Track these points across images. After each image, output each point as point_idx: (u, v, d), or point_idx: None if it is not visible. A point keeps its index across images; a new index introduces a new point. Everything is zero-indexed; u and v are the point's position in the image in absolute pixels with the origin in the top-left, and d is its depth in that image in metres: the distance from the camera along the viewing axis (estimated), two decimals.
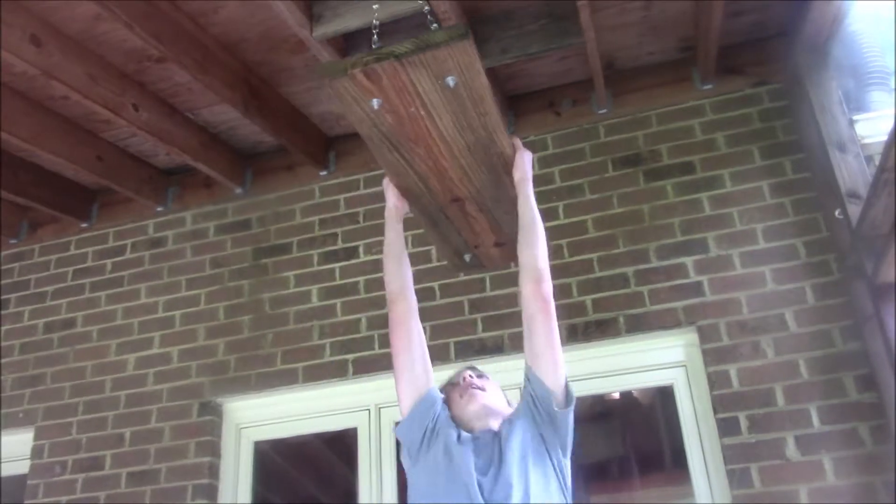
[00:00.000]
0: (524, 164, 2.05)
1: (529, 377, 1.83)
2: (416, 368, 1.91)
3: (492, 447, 1.78)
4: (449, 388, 1.98)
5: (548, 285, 1.86)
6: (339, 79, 1.68)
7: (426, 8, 2.14)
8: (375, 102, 1.74)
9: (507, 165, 2.04)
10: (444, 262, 2.59)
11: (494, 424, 1.85)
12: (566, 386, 1.80)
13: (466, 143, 1.91)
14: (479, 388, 1.93)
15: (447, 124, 1.83)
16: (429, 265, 3.23)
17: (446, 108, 1.79)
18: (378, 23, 2.20)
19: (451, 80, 1.69)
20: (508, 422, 1.84)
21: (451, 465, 1.76)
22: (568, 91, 3.35)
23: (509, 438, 1.78)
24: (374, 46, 2.06)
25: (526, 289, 1.86)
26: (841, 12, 2.81)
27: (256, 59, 3.04)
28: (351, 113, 1.80)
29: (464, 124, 1.84)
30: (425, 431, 1.83)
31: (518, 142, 2.09)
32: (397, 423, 1.95)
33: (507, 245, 2.29)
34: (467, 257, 2.40)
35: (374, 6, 2.21)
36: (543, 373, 1.80)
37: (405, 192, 2.10)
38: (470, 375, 1.98)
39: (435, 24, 2.05)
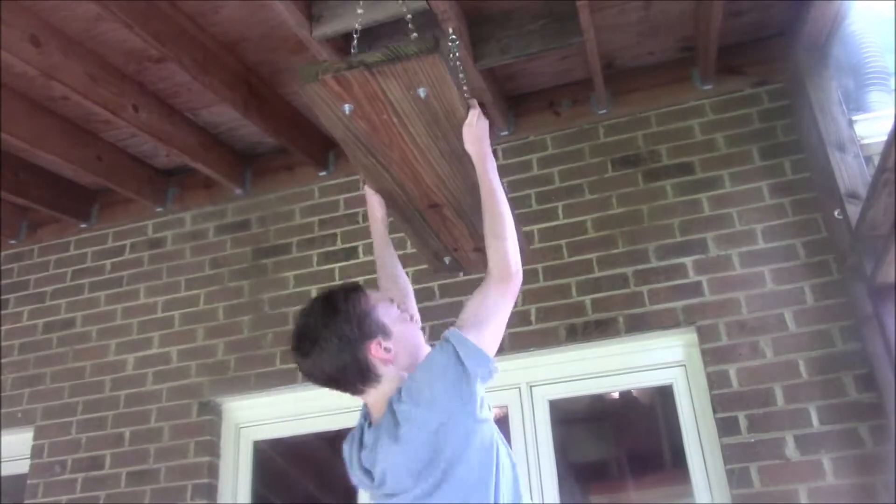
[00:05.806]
0: (475, 135, 1.79)
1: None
2: None
3: None
4: None
5: (516, 282, 1.64)
6: (310, 83, 1.71)
7: (408, 17, 2.15)
8: (347, 108, 1.77)
9: None
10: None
11: None
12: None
13: (441, 151, 1.91)
14: None
15: (420, 132, 1.84)
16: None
17: (419, 118, 1.80)
18: (359, 28, 2.21)
19: (422, 92, 1.71)
20: None
21: None
22: (567, 91, 3.35)
23: None
24: (352, 51, 2.08)
25: (490, 283, 1.67)
26: (841, 12, 2.81)
27: (256, 59, 3.04)
28: (325, 117, 1.83)
29: (437, 133, 1.85)
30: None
31: (473, 105, 1.81)
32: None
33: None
34: (447, 260, 2.41)
35: (359, 10, 2.21)
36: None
37: (382, 194, 2.09)
38: None
39: (415, 34, 2.06)
